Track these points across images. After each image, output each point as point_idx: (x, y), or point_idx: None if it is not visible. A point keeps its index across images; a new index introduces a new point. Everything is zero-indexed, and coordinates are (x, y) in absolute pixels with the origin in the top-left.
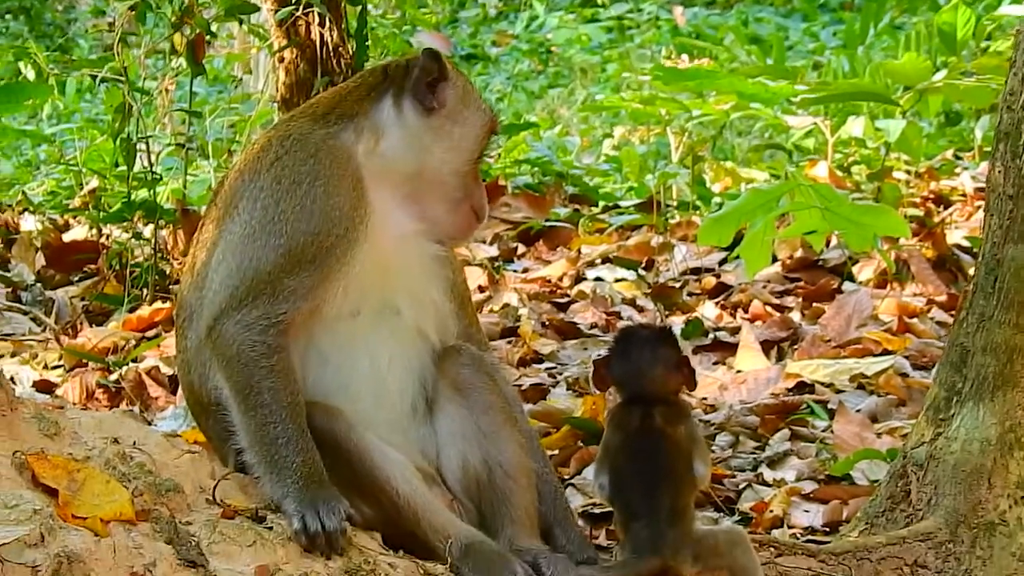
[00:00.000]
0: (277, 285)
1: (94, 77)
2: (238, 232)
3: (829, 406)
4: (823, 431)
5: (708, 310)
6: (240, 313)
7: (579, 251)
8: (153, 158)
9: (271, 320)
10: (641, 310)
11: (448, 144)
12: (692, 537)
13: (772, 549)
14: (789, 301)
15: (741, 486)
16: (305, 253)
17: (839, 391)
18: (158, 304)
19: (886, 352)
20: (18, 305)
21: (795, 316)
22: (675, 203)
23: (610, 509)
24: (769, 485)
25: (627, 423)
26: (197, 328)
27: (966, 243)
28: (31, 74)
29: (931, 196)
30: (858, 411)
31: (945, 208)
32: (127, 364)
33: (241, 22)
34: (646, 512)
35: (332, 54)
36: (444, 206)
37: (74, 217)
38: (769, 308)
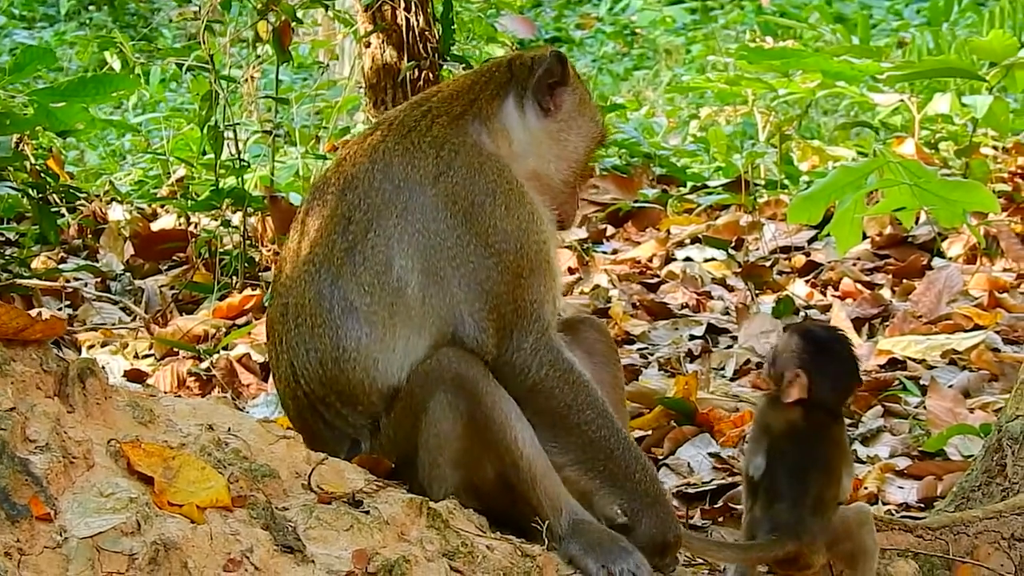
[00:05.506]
0: (520, 302)
1: (180, 66)
2: (434, 249)
3: (921, 382)
4: (916, 407)
5: (798, 288)
6: (516, 341)
7: (668, 231)
8: (240, 146)
9: (544, 336)
10: (731, 289)
11: (559, 151)
12: (831, 529)
13: None
14: (879, 278)
15: None
16: (522, 267)
17: (931, 367)
18: (248, 291)
19: (977, 327)
20: (108, 295)
21: (886, 293)
22: (763, 182)
23: (704, 489)
24: (863, 462)
25: (790, 412)
26: (393, 327)
27: None
28: (117, 64)
29: (1019, 171)
30: (950, 387)
31: None
32: (218, 352)
33: (327, 8)
34: (791, 496)
35: (418, 39)
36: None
37: (162, 206)
38: (859, 285)
